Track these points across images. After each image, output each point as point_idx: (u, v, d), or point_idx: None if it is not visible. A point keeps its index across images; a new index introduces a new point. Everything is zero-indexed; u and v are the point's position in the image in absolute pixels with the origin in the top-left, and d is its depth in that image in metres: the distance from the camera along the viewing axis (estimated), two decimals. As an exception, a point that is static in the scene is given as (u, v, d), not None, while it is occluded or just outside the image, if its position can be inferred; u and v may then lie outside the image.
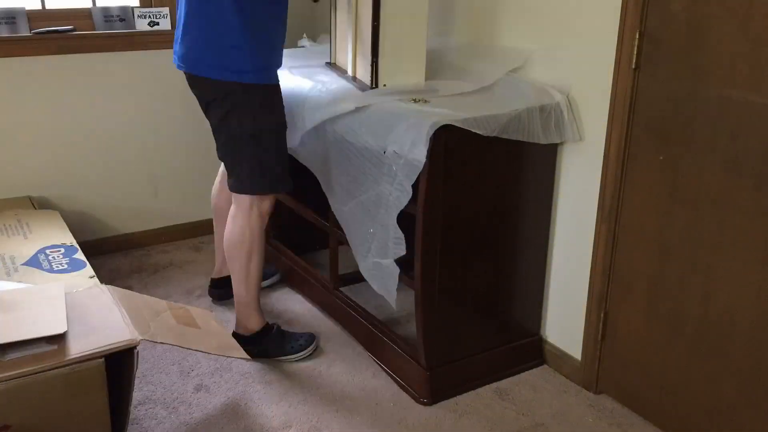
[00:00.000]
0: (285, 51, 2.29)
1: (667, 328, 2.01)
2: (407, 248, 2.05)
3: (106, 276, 2.89)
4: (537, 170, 2.21)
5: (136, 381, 2.12)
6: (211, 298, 2.78)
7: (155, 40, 2.99)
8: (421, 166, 1.92)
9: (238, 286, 2.34)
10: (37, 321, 1.76)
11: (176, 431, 2.07)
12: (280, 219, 2.98)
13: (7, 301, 1.84)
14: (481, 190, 2.12)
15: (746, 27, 1.68)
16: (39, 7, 2.86)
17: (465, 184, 2.07)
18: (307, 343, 2.43)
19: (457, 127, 1.94)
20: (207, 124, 2.25)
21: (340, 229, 2.43)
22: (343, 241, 2.49)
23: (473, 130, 1.96)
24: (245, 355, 2.20)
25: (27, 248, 2.34)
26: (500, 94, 2.19)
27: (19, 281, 2.10)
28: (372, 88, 2.20)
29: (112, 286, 2.04)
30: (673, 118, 1.88)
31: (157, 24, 2.99)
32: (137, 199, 3.18)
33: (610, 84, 2.01)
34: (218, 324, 2.26)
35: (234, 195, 2.26)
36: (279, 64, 2.18)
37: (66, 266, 2.25)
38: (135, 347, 1.78)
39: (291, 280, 2.89)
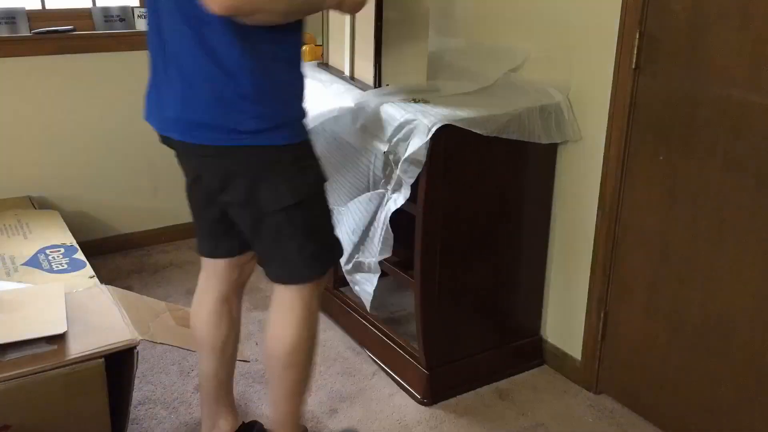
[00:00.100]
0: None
1: (667, 328, 2.01)
2: (407, 248, 2.05)
3: (106, 276, 2.89)
4: (537, 170, 2.21)
5: (136, 381, 2.12)
6: None
7: (155, 40, 2.99)
8: (421, 166, 1.92)
9: (287, 402, 1.74)
10: (37, 321, 1.76)
11: (176, 431, 2.07)
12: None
13: (7, 301, 1.84)
14: (481, 190, 2.12)
15: (746, 27, 1.68)
16: (39, 7, 2.86)
17: (465, 184, 2.07)
18: None
19: (457, 126, 1.94)
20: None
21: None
22: (343, 241, 2.49)
23: (473, 130, 1.96)
24: (245, 356, 2.20)
25: (27, 248, 2.34)
26: (500, 94, 2.19)
27: (19, 281, 2.10)
28: (374, 87, 2.20)
29: (112, 286, 2.04)
30: (673, 118, 1.88)
31: (157, 24, 2.99)
32: (137, 199, 3.18)
33: (610, 84, 2.01)
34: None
35: (282, 287, 1.67)
36: (304, 115, 1.61)
37: (66, 266, 2.25)
38: (135, 347, 1.78)
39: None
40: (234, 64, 1.43)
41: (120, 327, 1.81)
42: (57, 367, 1.66)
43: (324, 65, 2.54)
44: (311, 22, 3.28)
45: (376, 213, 2.07)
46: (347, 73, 2.36)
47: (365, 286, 2.10)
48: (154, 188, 3.21)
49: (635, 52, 1.92)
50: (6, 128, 2.83)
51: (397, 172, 1.97)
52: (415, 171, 1.93)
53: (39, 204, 2.87)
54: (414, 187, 1.96)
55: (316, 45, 2.69)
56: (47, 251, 2.34)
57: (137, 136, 3.10)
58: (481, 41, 2.44)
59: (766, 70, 1.66)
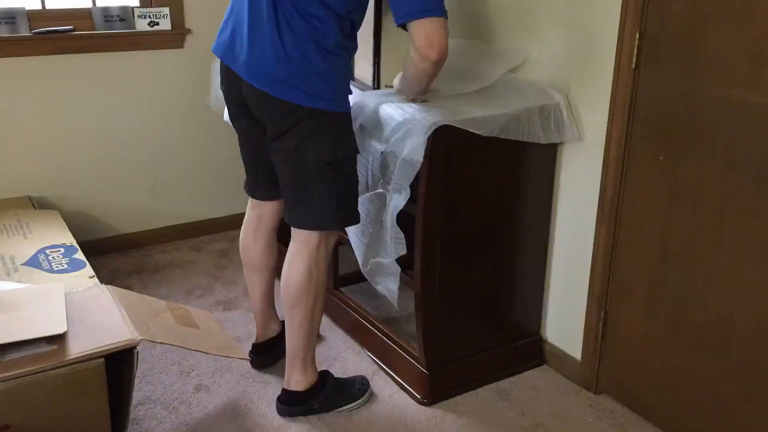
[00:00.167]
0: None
1: (667, 327, 2.01)
2: (407, 248, 2.05)
3: (106, 276, 2.89)
4: (537, 170, 2.21)
5: (136, 381, 2.12)
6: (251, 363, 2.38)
7: (155, 40, 2.99)
8: (418, 166, 1.92)
9: (297, 337, 2.06)
10: (37, 321, 1.76)
11: (176, 431, 2.07)
12: (281, 219, 2.98)
13: (7, 301, 1.84)
14: (480, 190, 2.12)
15: (746, 27, 1.68)
16: (39, 7, 2.86)
17: (465, 184, 2.07)
18: (363, 387, 2.22)
19: (456, 127, 1.94)
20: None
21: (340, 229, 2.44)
22: (343, 241, 2.49)
23: (472, 131, 1.96)
24: (245, 355, 2.20)
25: (27, 248, 2.34)
26: (500, 94, 2.19)
27: (19, 281, 2.10)
28: (374, 88, 2.20)
29: (112, 286, 2.04)
30: (673, 118, 1.88)
31: (157, 24, 2.99)
32: (137, 199, 3.18)
33: (610, 84, 2.01)
34: (218, 324, 2.26)
35: (297, 231, 2.01)
36: (351, 92, 1.98)
37: (66, 266, 2.25)
38: (135, 347, 1.78)
39: (291, 280, 2.88)
40: (323, 50, 1.82)
41: (120, 327, 1.81)
42: (57, 367, 1.66)
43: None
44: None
45: (380, 214, 2.07)
46: (348, 73, 2.36)
47: (389, 284, 2.10)
48: (153, 188, 3.21)
49: (635, 52, 1.92)
50: (6, 128, 2.83)
51: (396, 172, 1.97)
52: (413, 171, 1.93)
53: (39, 204, 2.87)
54: (414, 187, 1.96)
55: None
56: (47, 251, 2.34)
57: (137, 136, 3.10)
58: (481, 41, 2.44)
59: (766, 70, 1.66)
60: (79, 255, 2.33)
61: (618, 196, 2.06)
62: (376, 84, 2.19)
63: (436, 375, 2.19)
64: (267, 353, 2.36)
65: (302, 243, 2.00)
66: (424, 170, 1.94)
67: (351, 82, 2.05)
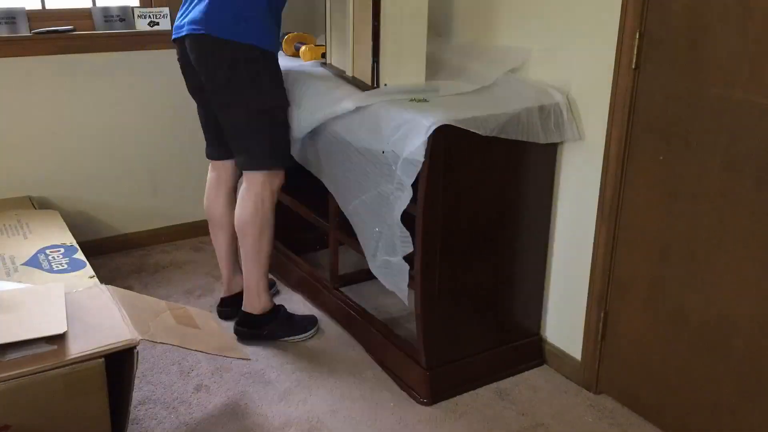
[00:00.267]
0: (279, 53, 2.33)
1: (667, 328, 2.01)
2: (409, 247, 2.05)
3: (106, 276, 2.89)
4: (537, 170, 2.21)
5: (136, 381, 2.12)
6: (221, 316, 2.63)
7: (155, 40, 2.99)
8: (419, 166, 1.92)
9: (248, 264, 2.39)
10: (37, 321, 1.76)
11: (176, 431, 2.07)
12: (280, 219, 2.98)
13: (7, 301, 1.84)
14: (480, 190, 2.12)
15: (746, 27, 1.68)
16: (39, 7, 2.86)
17: (465, 184, 2.07)
18: (310, 324, 2.53)
19: (456, 126, 1.94)
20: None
21: (341, 229, 2.44)
22: (343, 241, 2.49)
23: (472, 130, 1.96)
24: (245, 355, 2.20)
25: (27, 248, 2.34)
26: (500, 94, 2.19)
27: (19, 281, 2.10)
28: (373, 87, 2.20)
29: (112, 286, 2.04)
30: (673, 118, 1.88)
31: (157, 24, 2.99)
32: (137, 199, 3.18)
33: (610, 84, 2.01)
34: (218, 324, 2.27)
35: (246, 173, 2.33)
36: (277, 44, 2.30)
37: (66, 266, 2.25)
38: (135, 347, 1.78)
39: (291, 280, 2.89)
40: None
41: (120, 327, 1.81)
42: (57, 367, 1.66)
43: (326, 65, 2.54)
44: (315, 23, 3.29)
45: (384, 214, 2.07)
46: (349, 72, 2.36)
47: (398, 282, 2.11)
48: (153, 188, 3.21)
49: (635, 52, 1.92)
50: (6, 128, 2.83)
51: (397, 172, 1.97)
52: (414, 171, 1.93)
53: (39, 204, 2.87)
54: (414, 187, 1.96)
55: (315, 45, 2.69)
56: (47, 251, 2.34)
57: (137, 136, 3.10)
58: (481, 41, 2.44)
59: (766, 70, 1.66)
60: (79, 255, 2.34)
61: (618, 196, 2.06)
62: (375, 83, 2.19)
63: (436, 375, 2.19)
64: (232, 306, 2.60)
65: (250, 184, 2.33)
66: (424, 170, 1.94)
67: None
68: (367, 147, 2.09)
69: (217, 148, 2.48)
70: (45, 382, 1.65)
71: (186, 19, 2.21)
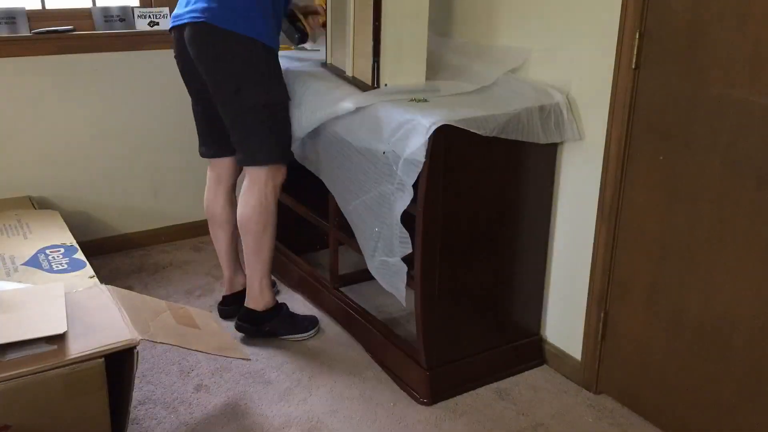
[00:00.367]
0: (281, 53, 2.32)
1: (667, 328, 2.01)
2: (409, 248, 2.05)
3: (106, 276, 2.89)
4: (537, 170, 2.21)
5: (136, 381, 2.12)
6: (221, 315, 2.64)
7: (155, 40, 2.99)
8: (420, 166, 1.92)
9: (251, 261, 2.40)
10: (37, 321, 1.76)
11: (176, 431, 2.07)
12: (281, 219, 2.98)
13: (7, 301, 1.84)
14: (481, 190, 2.12)
15: (746, 27, 1.68)
16: (39, 7, 2.86)
17: (465, 184, 2.07)
18: (311, 324, 2.53)
19: (456, 127, 1.94)
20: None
21: (341, 229, 2.44)
22: (343, 241, 2.49)
23: (472, 130, 1.96)
24: (245, 355, 2.20)
25: (27, 248, 2.34)
26: (500, 94, 2.19)
27: (19, 281, 2.10)
28: (373, 87, 2.20)
29: (112, 286, 2.04)
30: (673, 118, 1.88)
31: (157, 24, 2.99)
32: (137, 199, 3.18)
33: (610, 84, 2.01)
34: (218, 324, 2.26)
35: (247, 169, 2.32)
36: (276, 30, 2.29)
37: (66, 266, 2.25)
38: (135, 347, 1.78)
39: (291, 280, 2.89)
40: None
41: (120, 327, 1.81)
42: (57, 367, 1.66)
43: (328, 66, 2.54)
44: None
45: (384, 214, 2.07)
46: (349, 72, 2.36)
47: (396, 283, 2.11)
48: (154, 188, 3.21)
49: (635, 52, 1.92)
50: (6, 128, 2.83)
51: (398, 172, 1.97)
52: (415, 171, 1.93)
53: (39, 204, 2.87)
54: (414, 187, 1.96)
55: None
56: (47, 251, 2.34)
57: (137, 135, 3.10)
58: (481, 41, 2.44)
59: (766, 70, 1.66)
60: (79, 255, 2.34)
61: (618, 196, 2.06)
62: (376, 83, 2.19)
63: (436, 375, 2.19)
64: (233, 305, 2.61)
65: (252, 180, 2.32)
66: (424, 170, 1.94)
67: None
68: (367, 147, 2.09)
69: (210, 146, 2.47)
70: (45, 382, 1.65)
71: (187, 8, 2.19)
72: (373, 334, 2.42)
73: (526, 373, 2.37)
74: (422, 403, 2.20)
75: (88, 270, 2.23)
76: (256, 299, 2.45)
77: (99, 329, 1.79)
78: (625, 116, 1.98)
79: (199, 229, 3.30)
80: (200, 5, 2.15)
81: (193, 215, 3.30)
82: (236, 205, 2.45)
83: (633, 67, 1.93)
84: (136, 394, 2.18)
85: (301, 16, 2.52)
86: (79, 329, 1.77)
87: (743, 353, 1.82)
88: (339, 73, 2.41)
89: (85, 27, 2.90)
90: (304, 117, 2.30)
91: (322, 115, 2.22)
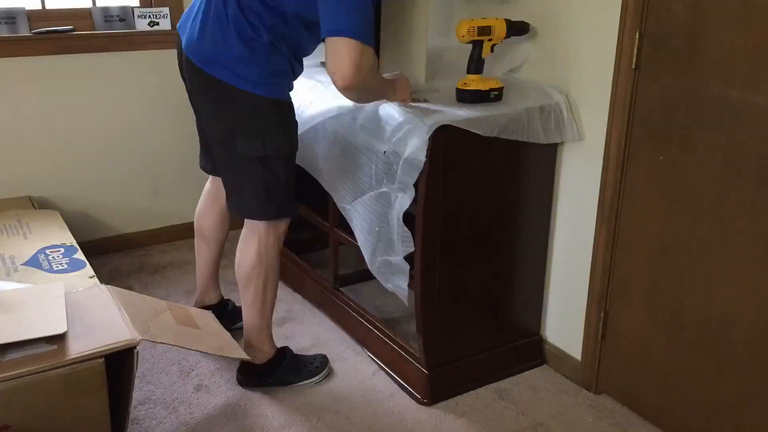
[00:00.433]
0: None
1: (667, 327, 2.01)
2: (409, 247, 2.05)
3: (106, 276, 2.89)
4: (537, 170, 2.21)
5: (136, 381, 2.12)
6: None
7: (155, 40, 2.99)
8: (421, 166, 1.92)
9: (250, 315, 2.18)
10: (37, 321, 1.76)
11: (176, 431, 2.07)
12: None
13: (7, 301, 1.84)
14: (481, 190, 2.12)
15: (746, 27, 1.68)
16: (39, 7, 2.86)
17: (465, 184, 2.07)
18: (322, 365, 2.33)
19: (456, 127, 1.94)
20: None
21: (341, 228, 2.43)
22: (343, 241, 2.49)
23: (473, 131, 1.96)
24: (245, 356, 2.20)
25: (27, 248, 2.34)
26: (500, 94, 2.19)
27: (19, 281, 2.10)
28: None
29: (112, 286, 2.04)
30: (673, 118, 1.88)
31: (157, 24, 2.99)
32: (137, 199, 3.18)
33: (610, 84, 2.01)
34: (218, 324, 2.26)
35: (245, 225, 2.12)
36: (292, 81, 2.01)
37: (66, 266, 2.25)
38: (135, 347, 1.78)
39: (291, 280, 2.89)
40: (246, 41, 1.85)
41: (120, 327, 1.81)
42: (57, 367, 1.66)
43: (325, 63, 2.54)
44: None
45: (385, 213, 2.07)
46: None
47: (398, 282, 2.11)
48: (154, 188, 3.21)
49: (635, 52, 1.92)
50: (6, 128, 2.83)
51: (399, 172, 1.97)
52: (415, 171, 1.93)
53: (39, 204, 2.87)
54: (414, 186, 1.96)
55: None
56: (47, 251, 2.34)
57: (137, 135, 3.10)
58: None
59: (766, 70, 1.66)
60: (79, 255, 2.33)
61: (618, 196, 2.06)
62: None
63: (436, 375, 2.20)
64: None
65: (252, 229, 2.10)
66: (424, 170, 1.94)
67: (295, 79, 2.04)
68: (367, 147, 2.09)
69: (209, 161, 2.28)
70: (45, 382, 1.65)
71: (188, 33, 1.95)
72: (373, 334, 2.42)
73: (526, 373, 2.37)
74: (422, 403, 2.20)
75: (88, 270, 2.23)
76: (256, 354, 2.22)
77: (99, 329, 1.79)
78: (625, 116, 1.98)
79: (199, 229, 3.30)
80: (201, 48, 1.90)
81: (193, 215, 3.27)
82: (228, 223, 2.38)
83: (633, 67, 1.93)
84: (136, 394, 2.18)
85: None
86: (79, 329, 1.77)
87: (743, 353, 1.82)
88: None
89: (85, 27, 2.90)
90: (304, 114, 2.29)
91: (322, 113, 2.22)
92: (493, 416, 2.15)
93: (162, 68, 3.02)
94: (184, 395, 2.22)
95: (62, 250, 2.36)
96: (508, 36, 2.12)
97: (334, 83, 1.78)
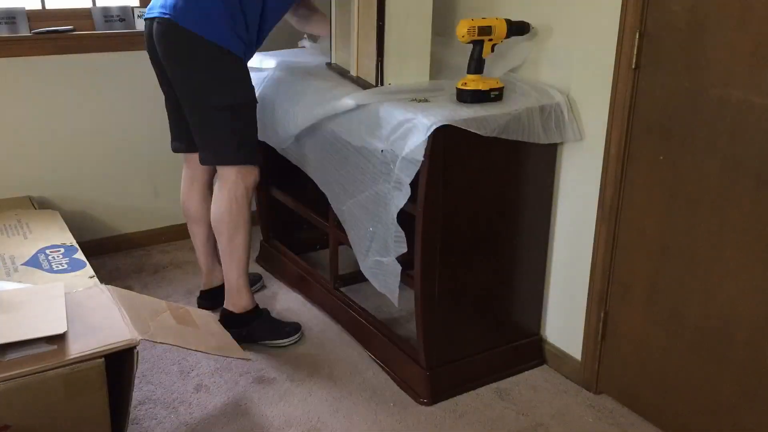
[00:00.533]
0: (285, 50, 2.30)
1: (667, 328, 2.01)
2: (407, 248, 2.05)
3: (106, 276, 2.89)
4: (537, 170, 2.21)
5: (136, 381, 2.12)
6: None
7: (155, 40, 2.99)
8: (418, 165, 1.92)
9: (226, 262, 2.38)
10: (37, 321, 1.76)
11: (176, 431, 2.07)
12: (280, 219, 2.98)
13: (7, 301, 1.84)
14: (481, 190, 2.12)
15: (746, 27, 1.68)
16: (39, 7, 2.86)
17: (465, 184, 2.07)
18: (293, 330, 2.48)
19: (456, 127, 1.94)
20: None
21: (341, 228, 2.44)
22: (343, 241, 2.49)
23: (473, 131, 1.96)
24: (245, 356, 2.20)
25: (27, 248, 2.34)
26: (500, 94, 2.19)
27: (19, 281, 2.10)
28: (376, 86, 2.20)
29: (112, 286, 2.04)
30: (673, 118, 1.88)
31: (157, 24, 2.98)
32: (137, 199, 3.18)
33: (610, 84, 2.01)
34: (218, 324, 2.26)
35: (219, 170, 2.31)
36: (253, 47, 2.28)
37: (66, 266, 2.25)
38: (135, 347, 1.78)
39: (291, 279, 2.89)
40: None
41: (120, 327, 1.81)
42: (57, 367, 1.66)
43: (332, 65, 2.54)
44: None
45: (380, 213, 2.07)
46: (352, 72, 2.35)
47: (389, 283, 2.11)
48: (154, 188, 3.21)
49: (635, 52, 1.92)
50: (6, 128, 2.83)
51: (396, 170, 1.97)
52: (413, 170, 1.93)
53: (39, 204, 2.87)
54: (414, 186, 1.96)
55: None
56: (47, 251, 2.34)
57: (137, 135, 3.10)
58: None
59: (766, 70, 1.66)
60: (79, 255, 2.34)
61: (618, 196, 2.06)
62: (379, 82, 2.19)
63: (436, 375, 2.19)
64: (211, 300, 2.62)
65: (223, 181, 2.30)
66: (424, 170, 1.94)
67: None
68: (365, 145, 2.09)
69: (182, 141, 2.46)
70: (45, 382, 1.65)
71: (159, 2, 2.19)
72: (373, 334, 2.42)
73: (526, 373, 2.37)
74: (422, 403, 2.20)
75: (88, 270, 2.23)
76: (234, 300, 2.43)
77: (99, 329, 1.79)
78: (625, 116, 1.98)
79: (199, 229, 3.30)
80: (171, 1, 2.14)
81: (193, 215, 3.30)
82: (210, 202, 2.45)
83: (633, 67, 1.93)
84: (136, 394, 2.18)
85: None
86: (79, 329, 1.77)
87: (743, 353, 1.82)
88: (343, 73, 2.41)
89: (85, 27, 2.90)
90: (302, 113, 2.30)
91: (322, 112, 2.22)
92: (493, 416, 2.15)
93: (162, 68, 3.02)
94: (184, 395, 2.22)
95: (62, 250, 2.36)
96: (508, 36, 2.13)
97: None
